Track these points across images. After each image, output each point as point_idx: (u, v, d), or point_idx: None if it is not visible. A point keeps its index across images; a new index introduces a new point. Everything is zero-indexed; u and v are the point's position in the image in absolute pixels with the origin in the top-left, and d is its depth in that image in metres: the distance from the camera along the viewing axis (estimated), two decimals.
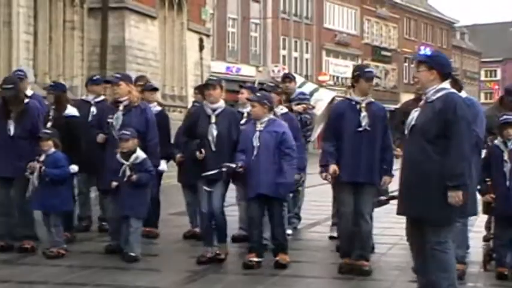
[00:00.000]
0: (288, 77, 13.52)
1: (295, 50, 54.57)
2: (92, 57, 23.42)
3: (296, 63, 54.22)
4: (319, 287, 9.04)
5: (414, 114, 7.04)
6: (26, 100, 10.72)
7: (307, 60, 55.31)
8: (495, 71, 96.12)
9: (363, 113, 8.61)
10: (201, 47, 28.47)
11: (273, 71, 46.54)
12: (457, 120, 6.64)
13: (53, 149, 10.31)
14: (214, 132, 9.32)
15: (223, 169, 9.16)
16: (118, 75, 10.94)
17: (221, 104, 9.61)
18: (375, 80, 10.02)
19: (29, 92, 11.22)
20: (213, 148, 9.27)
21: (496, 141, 8.99)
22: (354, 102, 8.75)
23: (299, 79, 15.32)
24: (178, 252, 10.99)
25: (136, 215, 10.06)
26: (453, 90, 7.10)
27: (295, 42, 54.23)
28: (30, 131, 10.61)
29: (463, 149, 6.65)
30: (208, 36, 31.08)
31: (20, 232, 10.73)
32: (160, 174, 11.94)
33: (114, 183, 9.96)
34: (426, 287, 7.11)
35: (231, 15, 47.46)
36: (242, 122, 10.31)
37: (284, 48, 52.63)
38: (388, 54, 64.44)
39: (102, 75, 20.50)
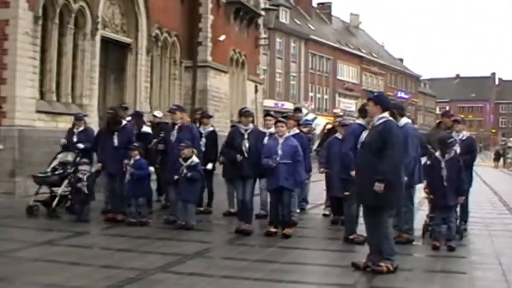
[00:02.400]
0: (297, 109, 16.52)
1: (318, 93, 66.33)
2: (186, 97, 28.15)
3: (319, 101, 66.20)
4: (307, 255, 9.99)
5: (363, 134, 8.46)
6: (124, 122, 12.73)
7: (326, 99, 68.11)
8: (445, 107, 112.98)
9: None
10: (256, 91, 33.45)
11: (305, 106, 51.66)
12: (391, 138, 8.03)
13: (138, 157, 11.91)
14: (246, 145, 11.24)
15: (270, 162, 10.58)
16: (174, 107, 12.94)
17: (250, 126, 11.43)
18: None
19: (128, 118, 13.45)
20: (246, 155, 11.12)
21: (436, 154, 10.48)
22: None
23: (304, 111, 17.87)
24: (218, 225, 12.70)
25: (190, 200, 11.52)
26: (391, 118, 8.39)
27: (318, 88, 66.20)
28: (126, 143, 12.26)
29: (393, 156, 8.03)
30: (261, 84, 35.46)
31: (117, 208, 12.38)
32: (211, 171, 13.76)
33: (176, 177, 11.49)
34: (374, 252, 8.29)
35: (278, 70, 57.92)
36: (266, 138, 11.77)
37: (311, 91, 64.73)
38: None
39: (191, 109, 24.38)
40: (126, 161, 11.81)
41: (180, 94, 27.95)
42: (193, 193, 11.65)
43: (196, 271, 8.26)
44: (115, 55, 23.25)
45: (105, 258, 8.87)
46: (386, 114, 8.27)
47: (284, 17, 58.58)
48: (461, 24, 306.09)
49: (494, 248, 10.87)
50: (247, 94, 32.96)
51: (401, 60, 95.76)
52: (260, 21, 34.44)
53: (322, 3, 76.27)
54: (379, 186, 7.93)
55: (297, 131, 12.65)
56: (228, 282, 7.77)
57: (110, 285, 7.26)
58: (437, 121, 13.89)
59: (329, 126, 15.55)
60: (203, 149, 13.32)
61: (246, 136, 11.27)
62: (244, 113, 11.66)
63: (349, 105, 68.52)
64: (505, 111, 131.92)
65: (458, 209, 11.02)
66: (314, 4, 73.44)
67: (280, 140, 10.85)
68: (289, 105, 52.54)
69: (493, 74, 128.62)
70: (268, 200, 11.91)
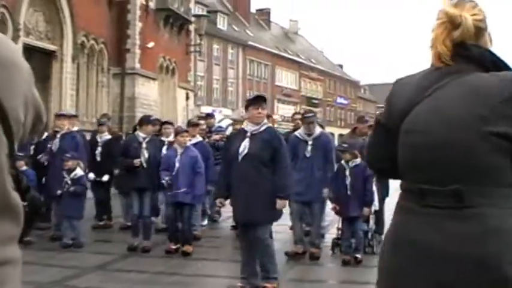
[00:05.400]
0: (209, 115, 15.67)
1: None
2: (114, 104, 28.03)
3: None
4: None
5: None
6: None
7: None
8: None
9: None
10: (187, 98, 33.45)
11: (242, 112, 57.68)
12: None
13: (24, 167, 10.93)
14: (146, 154, 10.53)
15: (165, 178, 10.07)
16: (63, 112, 12.72)
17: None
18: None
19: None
20: (144, 165, 10.52)
21: (342, 161, 9.98)
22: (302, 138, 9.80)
23: (219, 117, 18.88)
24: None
25: (76, 216, 11.06)
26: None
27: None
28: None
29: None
30: (192, 91, 35.39)
31: None
32: (108, 183, 13.10)
33: (59, 192, 11.02)
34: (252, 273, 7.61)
35: (215, 76, 57.61)
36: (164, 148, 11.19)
37: None
38: (316, 102, 79.50)
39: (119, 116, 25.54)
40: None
41: (108, 102, 27.85)
42: (77, 208, 10.89)
43: (92, 285, 8.15)
44: (39, 63, 22.84)
45: None
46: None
47: (222, 23, 58.72)
48: (401, 29, 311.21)
49: None
50: (178, 101, 33.02)
51: (341, 66, 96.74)
52: (191, 27, 34.37)
53: (261, 10, 76.56)
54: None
55: (200, 139, 12.12)
56: None
57: None
58: (352, 127, 13.19)
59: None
60: (98, 158, 12.67)
61: (144, 145, 10.50)
62: (145, 121, 10.96)
63: (287, 111, 68.88)
64: None
65: (371, 221, 10.57)
66: (253, 10, 73.23)
67: (179, 151, 10.18)
68: (227, 112, 52.63)
69: None
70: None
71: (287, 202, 8.07)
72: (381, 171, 2.97)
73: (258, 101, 7.73)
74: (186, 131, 10.69)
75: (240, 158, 7.46)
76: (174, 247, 10.19)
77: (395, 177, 2.66)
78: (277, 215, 7.74)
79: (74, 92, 25.06)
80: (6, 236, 1.52)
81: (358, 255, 9.72)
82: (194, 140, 11.43)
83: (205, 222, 13.00)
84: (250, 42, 63.42)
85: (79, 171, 10.83)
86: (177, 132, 10.57)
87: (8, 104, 1.51)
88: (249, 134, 7.57)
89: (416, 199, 2.46)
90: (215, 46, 56.95)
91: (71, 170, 10.76)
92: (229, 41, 59.69)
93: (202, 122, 13.94)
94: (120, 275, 8.96)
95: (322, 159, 9.90)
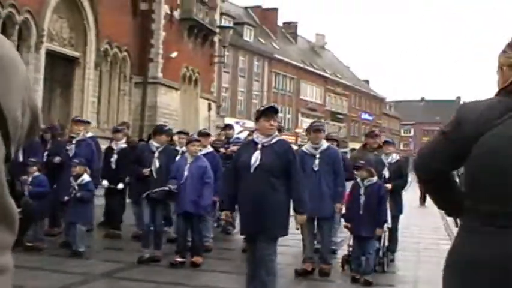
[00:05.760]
0: (228, 126, 15.41)
1: (281, 112, 63.57)
2: (136, 113, 28.22)
3: (281, 120, 62.52)
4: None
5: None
6: None
7: (288, 119, 68.02)
8: (410, 129, 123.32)
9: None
10: (209, 109, 32.53)
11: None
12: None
13: (36, 173, 11.05)
14: (157, 164, 10.41)
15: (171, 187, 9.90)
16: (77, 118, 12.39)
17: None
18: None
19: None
20: (155, 175, 10.41)
21: (357, 179, 9.70)
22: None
23: (238, 128, 17.52)
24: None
25: (78, 222, 10.72)
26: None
27: (281, 107, 63.76)
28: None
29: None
30: (214, 101, 35.21)
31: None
32: (122, 191, 12.90)
33: (66, 198, 10.87)
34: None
35: (240, 88, 57.98)
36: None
37: None
38: (341, 117, 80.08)
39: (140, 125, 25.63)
40: (23, 178, 10.69)
41: (129, 110, 28.01)
42: (83, 215, 10.73)
43: None
44: (62, 69, 23.24)
45: None
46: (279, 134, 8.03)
47: (248, 35, 58.79)
48: (429, 47, 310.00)
49: (416, 276, 10.71)
50: (200, 111, 32.98)
51: (367, 81, 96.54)
52: (216, 38, 34.44)
53: (288, 23, 76.60)
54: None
55: (211, 149, 12.04)
56: None
57: None
58: (363, 143, 13.00)
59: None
60: (113, 166, 12.63)
61: (156, 155, 10.40)
62: (159, 130, 10.87)
63: None
64: None
65: (383, 239, 10.38)
66: (280, 23, 73.17)
67: (189, 160, 10.05)
68: (250, 124, 52.39)
69: (458, 97, 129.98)
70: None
71: (305, 217, 7.88)
72: (429, 177, 3.03)
73: (269, 112, 7.53)
74: (198, 140, 10.57)
75: (252, 169, 7.32)
76: (179, 260, 9.98)
77: (436, 188, 2.99)
78: (285, 230, 7.56)
79: (95, 99, 25.22)
80: (1, 244, 1.47)
81: (368, 278, 9.41)
82: (205, 150, 11.34)
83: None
84: (276, 55, 63.48)
85: (86, 177, 10.66)
86: (189, 141, 10.43)
87: (6, 106, 1.44)
88: (260, 146, 7.39)
89: (489, 220, 2.61)
90: (241, 58, 57.11)
91: (78, 176, 10.61)
92: (255, 53, 59.80)
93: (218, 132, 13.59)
94: (125, 283, 8.89)
95: (330, 173, 9.74)
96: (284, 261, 10.35)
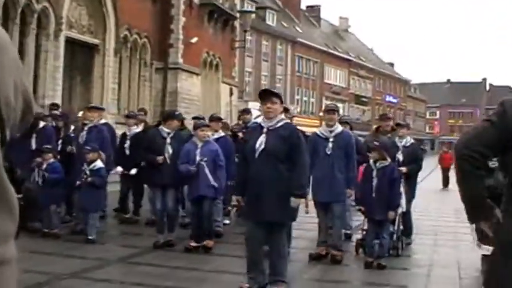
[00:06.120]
0: (245, 111, 15.07)
1: (305, 96, 66.16)
2: (156, 99, 28.25)
3: (305, 104, 66.03)
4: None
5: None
6: (43, 124, 11.58)
7: (312, 102, 67.64)
8: (435, 112, 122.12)
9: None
10: (231, 94, 33.38)
11: (291, 108, 56.38)
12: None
13: (52, 160, 11.07)
14: (170, 150, 10.36)
15: (189, 168, 9.84)
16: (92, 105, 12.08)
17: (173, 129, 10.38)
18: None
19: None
20: (168, 161, 10.34)
21: (370, 161, 9.62)
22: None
23: (255, 113, 16.48)
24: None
25: (90, 209, 10.75)
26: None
27: (305, 90, 66.02)
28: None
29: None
30: (236, 86, 35.47)
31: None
32: (136, 176, 12.67)
33: (78, 183, 10.85)
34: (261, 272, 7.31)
35: (264, 72, 57.53)
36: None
37: (298, 94, 64.56)
38: (365, 100, 79.82)
39: (161, 111, 24.26)
40: (38, 160, 10.76)
41: (150, 96, 28.03)
42: (95, 201, 10.69)
43: (109, 277, 8.18)
44: (82, 56, 23.31)
45: (21, 261, 8.61)
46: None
47: (271, 19, 58.63)
48: (453, 29, 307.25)
49: (432, 259, 10.64)
50: (222, 96, 33.02)
51: (391, 64, 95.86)
52: (236, 23, 34.34)
53: (311, 6, 76.33)
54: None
55: (222, 134, 11.93)
56: None
57: None
58: (374, 126, 13.06)
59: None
60: (127, 152, 12.67)
61: (168, 141, 10.37)
62: (170, 116, 10.80)
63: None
64: None
65: (398, 222, 10.25)
66: (303, 7, 72.91)
67: (199, 144, 9.96)
68: None
69: (484, 79, 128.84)
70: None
71: (302, 200, 7.80)
72: (472, 157, 3.15)
73: (264, 95, 7.42)
74: (207, 125, 10.49)
75: (256, 154, 7.23)
76: (193, 245, 9.99)
77: (469, 171, 3.16)
78: (294, 214, 7.53)
79: (115, 85, 25.25)
80: (2, 233, 1.48)
81: (382, 262, 9.37)
82: (216, 135, 11.30)
83: (227, 221, 12.86)
84: (299, 39, 63.29)
85: (99, 163, 10.62)
86: (196, 127, 10.31)
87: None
88: (265, 130, 7.29)
89: None
90: (264, 42, 56.99)
91: (91, 162, 10.59)
92: (278, 37, 59.65)
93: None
94: (139, 268, 8.97)
95: (343, 157, 9.58)
96: (299, 246, 10.47)
